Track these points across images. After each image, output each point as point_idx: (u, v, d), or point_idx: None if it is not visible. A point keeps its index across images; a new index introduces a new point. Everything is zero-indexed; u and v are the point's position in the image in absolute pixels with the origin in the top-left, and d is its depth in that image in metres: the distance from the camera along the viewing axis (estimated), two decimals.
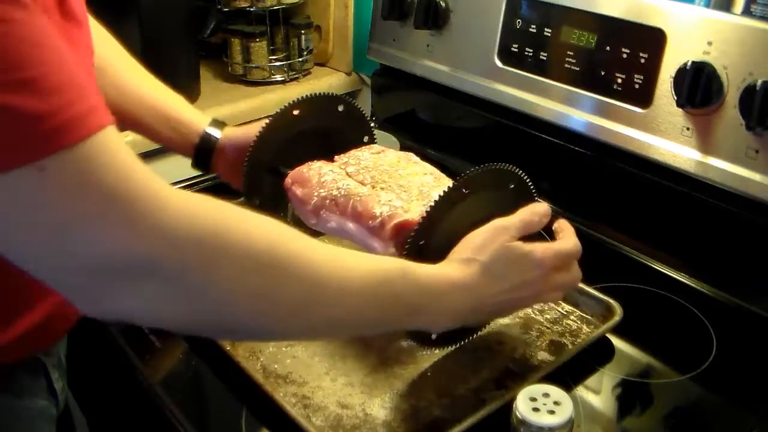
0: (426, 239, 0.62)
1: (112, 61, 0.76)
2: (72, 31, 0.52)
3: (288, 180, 0.76)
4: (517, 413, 0.55)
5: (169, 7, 1.25)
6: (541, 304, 0.78)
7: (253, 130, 0.78)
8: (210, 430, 0.67)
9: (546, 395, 0.57)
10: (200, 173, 1.00)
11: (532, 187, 0.68)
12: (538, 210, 0.67)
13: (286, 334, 0.58)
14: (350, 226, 0.69)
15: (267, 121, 0.78)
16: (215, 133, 0.80)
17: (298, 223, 0.71)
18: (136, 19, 1.19)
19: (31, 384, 0.64)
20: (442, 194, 0.61)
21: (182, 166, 0.84)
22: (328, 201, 0.70)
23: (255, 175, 0.79)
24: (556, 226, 0.70)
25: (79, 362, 0.79)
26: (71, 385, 0.78)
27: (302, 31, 1.37)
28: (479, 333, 0.73)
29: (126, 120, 0.77)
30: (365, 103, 1.41)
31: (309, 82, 1.39)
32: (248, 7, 1.33)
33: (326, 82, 1.38)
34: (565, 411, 0.55)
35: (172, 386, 0.69)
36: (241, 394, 0.67)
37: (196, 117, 0.81)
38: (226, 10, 1.34)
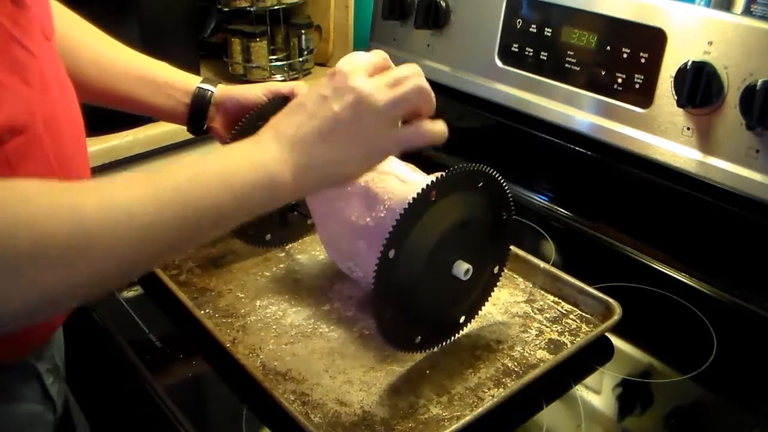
0: (396, 250, 0.61)
1: (85, 39, 0.75)
2: (17, 14, 0.51)
3: None
4: None
5: (169, 7, 1.25)
6: (541, 304, 0.78)
7: (257, 88, 0.77)
8: (210, 429, 0.67)
9: None
10: None
11: (502, 180, 0.67)
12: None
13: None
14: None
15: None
16: (210, 88, 0.77)
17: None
18: (136, 19, 1.19)
19: (23, 389, 0.63)
20: (407, 205, 0.60)
21: None
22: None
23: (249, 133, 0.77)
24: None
25: (80, 363, 0.79)
26: (71, 387, 0.78)
27: (302, 31, 1.37)
28: (464, 330, 0.73)
29: (114, 96, 0.75)
30: None
31: (309, 82, 1.39)
32: (248, 6, 1.33)
33: None
34: None
35: (172, 386, 0.69)
36: (240, 391, 0.67)
37: (185, 78, 0.78)
38: (227, 9, 1.34)
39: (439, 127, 0.58)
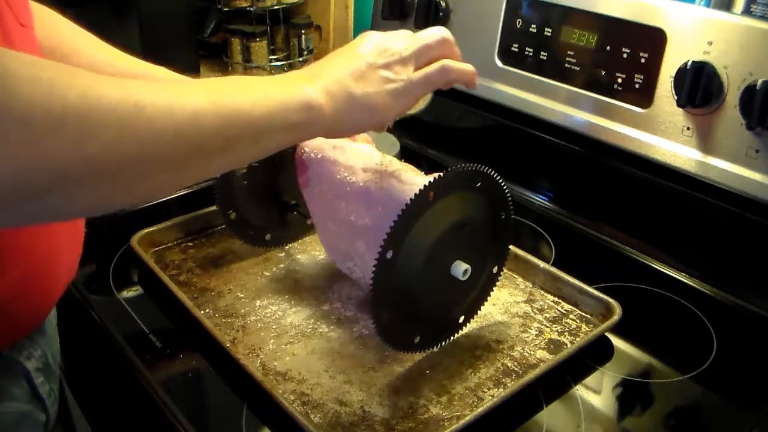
0: (394, 250, 0.61)
1: (81, 46, 0.74)
2: None
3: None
4: None
5: (169, 7, 1.25)
6: (541, 304, 0.78)
7: None
8: (210, 429, 0.67)
9: None
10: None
11: (500, 180, 0.67)
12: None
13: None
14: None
15: None
16: None
17: None
18: (136, 19, 1.20)
19: (11, 389, 0.62)
20: (405, 206, 0.60)
21: None
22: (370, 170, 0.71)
23: None
24: None
25: (79, 363, 0.79)
26: (71, 387, 0.78)
27: (302, 31, 1.37)
28: (463, 330, 0.73)
29: None
30: None
31: None
32: (248, 6, 1.33)
33: None
34: None
35: (171, 385, 0.69)
36: (240, 391, 0.67)
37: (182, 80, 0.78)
38: (227, 9, 1.34)
39: (465, 66, 0.63)
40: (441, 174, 0.62)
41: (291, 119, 0.54)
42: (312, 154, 0.75)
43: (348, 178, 0.71)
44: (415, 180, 0.69)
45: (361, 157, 0.72)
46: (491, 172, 0.66)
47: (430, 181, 0.61)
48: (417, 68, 0.61)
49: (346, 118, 0.58)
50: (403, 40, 0.62)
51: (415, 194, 0.60)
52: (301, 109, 0.54)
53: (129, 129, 0.44)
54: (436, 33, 0.63)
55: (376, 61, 0.59)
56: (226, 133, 0.50)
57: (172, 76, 0.78)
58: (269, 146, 0.55)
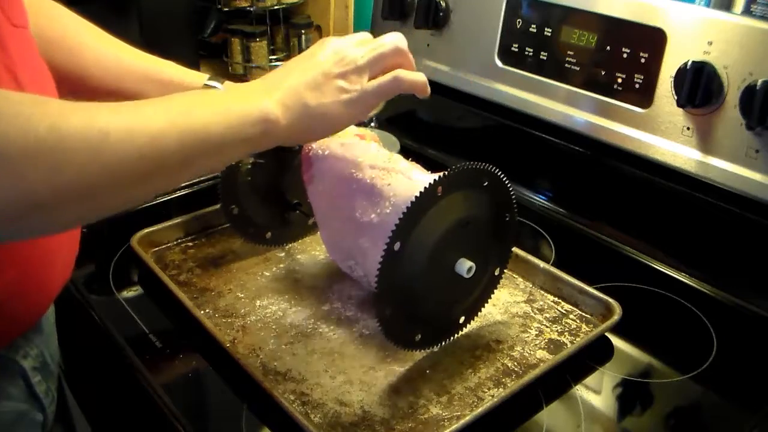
0: (402, 242, 0.61)
1: (88, 39, 0.75)
2: None
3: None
4: None
5: (169, 7, 1.25)
6: (541, 304, 0.78)
7: None
8: (209, 429, 0.67)
9: None
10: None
11: (507, 181, 0.68)
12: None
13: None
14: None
15: None
16: (217, 85, 0.77)
17: None
18: (136, 19, 1.20)
19: (8, 388, 0.62)
20: (414, 198, 0.61)
21: None
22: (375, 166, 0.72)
23: None
24: None
25: (79, 363, 0.79)
26: (71, 387, 0.78)
27: (302, 31, 1.37)
28: (463, 330, 0.73)
29: (120, 95, 0.74)
30: None
31: None
32: (248, 6, 1.33)
33: None
34: None
35: (171, 385, 0.69)
36: (240, 391, 0.67)
37: (192, 76, 0.78)
38: (227, 9, 1.34)
39: (417, 76, 0.64)
40: (450, 170, 0.62)
41: (248, 133, 0.56)
42: (319, 151, 0.75)
43: (355, 175, 0.71)
44: (422, 178, 0.69)
45: (368, 154, 0.73)
46: (499, 172, 0.66)
47: (439, 176, 0.62)
48: (372, 77, 0.62)
49: (300, 129, 0.60)
50: (360, 48, 0.63)
51: (425, 187, 0.61)
52: (257, 123, 0.57)
53: (95, 156, 0.47)
54: (390, 42, 0.64)
55: (332, 70, 0.61)
56: (186, 151, 0.53)
57: (179, 70, 0.78)
58: (227, 159, 0.59)
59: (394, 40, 0.64)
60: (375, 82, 0.62)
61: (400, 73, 0.63)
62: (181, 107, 0.54)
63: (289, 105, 0.59)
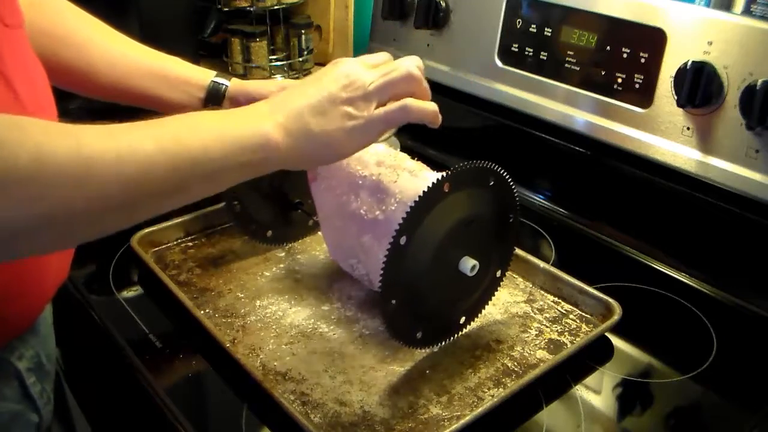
0: (408, 237, 0.61)
1: (95, 35, 0.74)
2: None
3: None
4: None
5: (169, 7, 1.25)
6: (541, 304, 0.78)
7: (271, 84, 0.77)
8: (209, 429, 0.67)
9: None
10: None
11: (511, 183, 0.68)
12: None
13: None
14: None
15: None
16: (224, 82, 0.78)
17: None
18: (136, 19, 1.19)
19: (3, 389, 0.61)
20: (422, 193, 0.61)
21: None
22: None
23: None
24: None
25: (79, 363, 0.79)
26: (71, 387, 0.78)
27: (302, 31, 1.37)
28: (464, 330, 0.73)
29: (127, 92, 0.75)
30: None
31: None
32: (248, 6, 1.33)
33: None
34: None
35: (171, 386, 0.69)
36: (240, 391, 0.67)
37: (199, 72, 0.79)
38: (226, 9, 1.34)
39: (427, 105, 0.62)
40: (457, 167, 0.63)
41: (246, 158, 0.55)
42: None
43: (360, 172, 0.71)
44: (429, 175, 0.69)
45: (374, 153, 0.73)
46: (504, 172, 0.67)
47: (447, 173, 0.62)
48: (380, 104, 0.60)
49: (301, 154, 0.58)
50: (372, 72, 0.60)
51: (433, 183, 0.61)
52: (256, 149, 0.55)
53: (79, 186, 0.46)
54: (404, 67, 0.61)
55: (339, 94, 0.58)
56: (177, 179, 0.51)
57: (185, 67, 0.78)
58: (223, 184, 0.57)
59: (408, 65, 0.61)
60: (382, 110, 0.60)
61: (410, 102, 0.61)
62: (175, 131, 0.52)
63: (291, 130, 0.57)
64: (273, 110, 0.57)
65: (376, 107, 0.60)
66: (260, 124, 0.56)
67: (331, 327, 0.74)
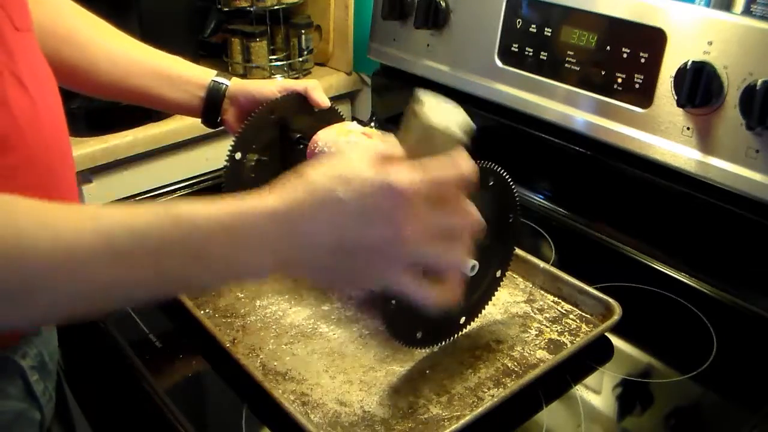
0: None
1: (97, 34, 0.75)
2: None
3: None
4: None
5: (169, 7, 1.25)
6: (540, 304, 0.78)
7: (271, 84, 0.78)
8: (210, 429, 0.67)
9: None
10: (200, 175, 1.00)
11: (512, 183, 0.68)
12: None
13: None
14: None
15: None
16: (224, 81, 0.79)
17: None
18: (136, 19, 1.19)
19: (7, 387, 0.61)
20: None
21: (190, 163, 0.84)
22: None
23: (260, 124, 0.79)
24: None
25: (79, 363, 0.79)
26: (71, 387, 0.78)
27: (302, 31, 1.37)
28: (464, 330, 0.73)
29: (129, 91, 0.76)
30: (365, 103, 1.41)
31: (311, 81, 1.39)
32: (248, 6, 1.33)
33: (326, 82, 1.38)
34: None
35: (171, 386, 0.69)
36: (240, 391, 0.67)
37: (199, 72, 0.79)
38: (226, 9, 1.34)
39: (441, 298, 0.52)
40: None
41: (212, 260, 0.47)
42: (325, 148, 0.75)
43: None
44: None
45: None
46: (505, 173, 0.67)
47: None
48: (403, 267, 0.49)
49: (291, 273, 0.58)
50: (422, 231, 0.48)
51: None
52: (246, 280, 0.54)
53: (62, 282, 0.43)
54: (457, 248, 0.51)
55: (368, 244, 0.47)
56: (160, 276, 0.46)
57: (186, 66, 0.79)
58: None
59: (462, 243, 0.51)
60: (400, 279, 0.49)
61: (428, 289, 0.51)
62: (182, 262, 0.45)
63: (291, 267, 0.50)
64: (282, 244, 0.47)
65: (399, 267, 0.49)
66: (258, 264, 0.48)
67: (331, 327, 0.74)
